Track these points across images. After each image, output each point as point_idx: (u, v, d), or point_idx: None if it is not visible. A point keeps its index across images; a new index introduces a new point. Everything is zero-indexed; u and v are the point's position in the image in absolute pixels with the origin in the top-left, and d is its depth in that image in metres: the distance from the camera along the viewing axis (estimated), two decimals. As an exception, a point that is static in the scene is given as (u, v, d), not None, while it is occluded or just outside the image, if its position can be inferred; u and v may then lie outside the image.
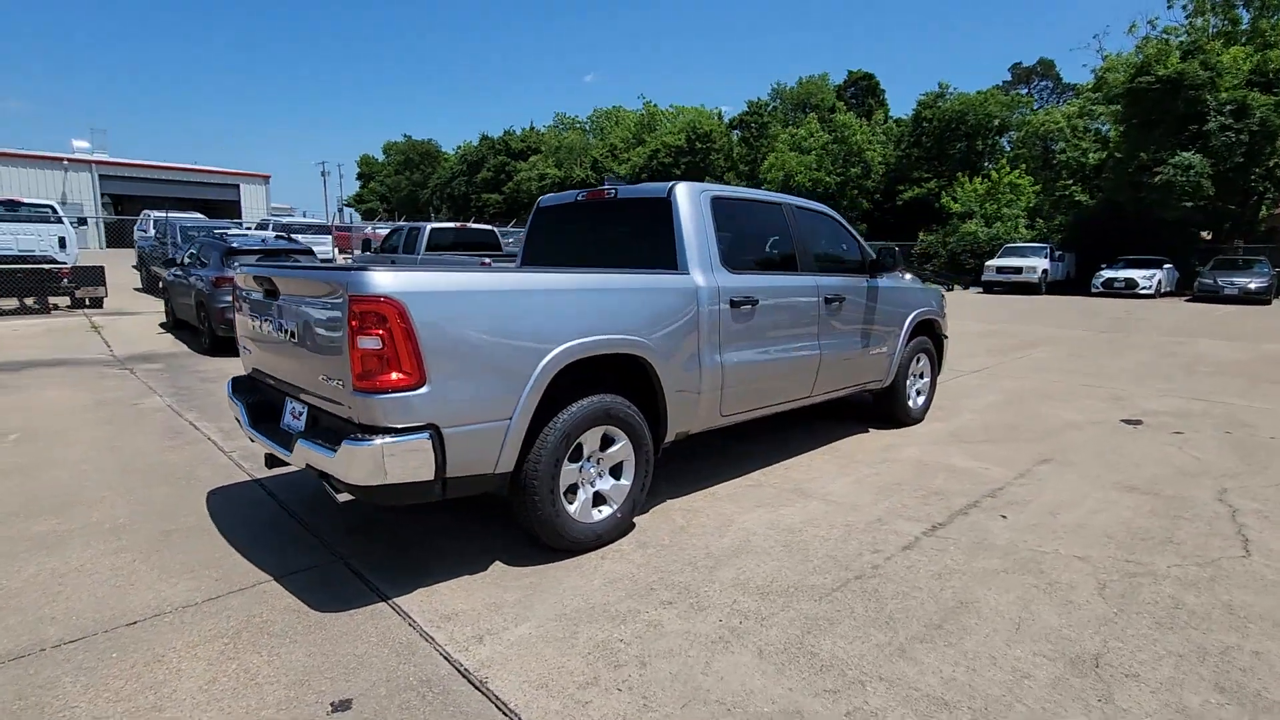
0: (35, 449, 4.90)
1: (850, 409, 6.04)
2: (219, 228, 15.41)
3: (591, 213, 4.44)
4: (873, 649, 2.53)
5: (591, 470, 3.35)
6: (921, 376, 5.88)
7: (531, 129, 64.69)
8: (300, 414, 3.14)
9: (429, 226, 11.66)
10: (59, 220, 14.76)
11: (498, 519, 3.61)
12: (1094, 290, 22.45)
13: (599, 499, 3.38)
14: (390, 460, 2.60)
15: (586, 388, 3.28)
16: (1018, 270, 23.13)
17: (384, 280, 2.58)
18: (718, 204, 4.04)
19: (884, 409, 5.64)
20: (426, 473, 2.70)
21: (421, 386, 2.65)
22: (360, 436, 2.61)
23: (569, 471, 3.20)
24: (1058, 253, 24.76)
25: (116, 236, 31.49)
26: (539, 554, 3.24)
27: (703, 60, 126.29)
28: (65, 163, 33.31)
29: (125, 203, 36.13)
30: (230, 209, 36.69)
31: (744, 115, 48.08)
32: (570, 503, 3.24)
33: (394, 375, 2.60)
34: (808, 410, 5.82)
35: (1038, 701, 2.25)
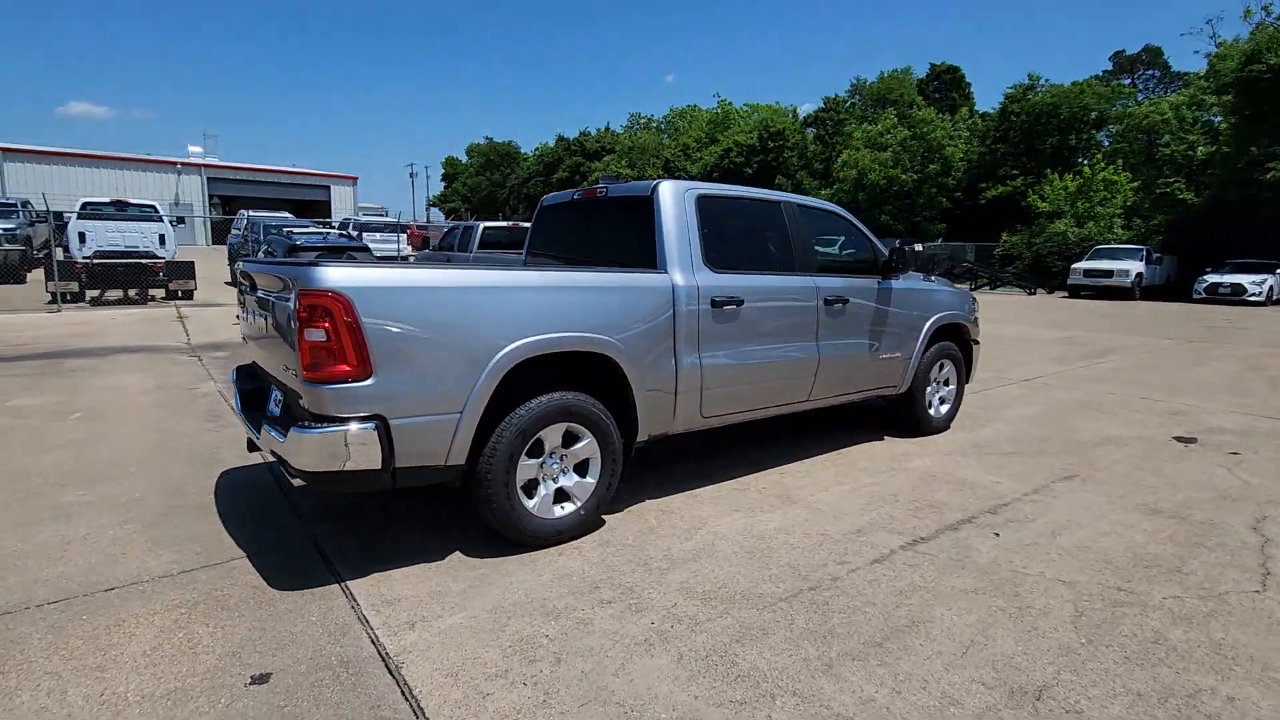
0: (92, 427, 5.37)
1: (869, 415, 5.82)
2: (288, 225, 16.39)
3: (586, 211, 4.47)
4: (798, 662, 2.44)
5: (554, 466, 3.38)
6: (946, 384, 5.59)
7: (607, 129, 65.44)
8: (279, 402, 3.32)
9: (481, 225, 12.00)
10: (160, 219, 16.09)
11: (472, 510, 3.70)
12: (1196, 296, 20.67)
13: (562, 495, 3.41)
14: (334, 448, 2.72)
15: (552, 384, 3.31)
16: (1107, 274, 21.58)
17: (331, 275, 2.69)
18: (704, 203, 3.98)
19: (901, 417, 5.40)
20: (373, 462, 2.80)
21: (367, 378, 2.75)
22: (308, 424, 2.73)
23: (527, 467, 3.23)
24: (1155, 255, 22.94)
25: (221, 234, 34.04)
26: (499, 547, 3.30)
27: (784, 57, 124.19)
28: (179, 167, 36.33)
29: (231, 203, 38.96)
30: (321, 208, 38.94)
31: (819, 112, 47.00)
32: (530, 498, 3.28)
33: (340, 367, 2.70)
34: (821, 415, 5.67)
35: (957, 731, 2.11)
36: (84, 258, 14.51)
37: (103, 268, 13.65)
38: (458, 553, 3.26)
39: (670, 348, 3.68)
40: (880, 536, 3.53)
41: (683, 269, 3.76)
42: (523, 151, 77.85)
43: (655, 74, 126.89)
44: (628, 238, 4.00)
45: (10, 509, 3.69)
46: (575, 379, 3.40)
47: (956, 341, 5.57)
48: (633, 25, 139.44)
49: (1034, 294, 23.28)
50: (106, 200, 16.20)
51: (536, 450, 3.29)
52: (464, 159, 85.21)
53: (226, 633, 2.57)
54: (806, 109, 51.45)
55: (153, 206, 16.30)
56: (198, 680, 2.29)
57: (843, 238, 5.04)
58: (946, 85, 43.63)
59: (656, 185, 3.88)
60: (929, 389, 5.40)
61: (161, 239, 15.99)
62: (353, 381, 2.72)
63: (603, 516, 3.69)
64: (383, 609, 2.75)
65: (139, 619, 2.65)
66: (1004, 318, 14.56)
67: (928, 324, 5.19)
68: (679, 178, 4.31)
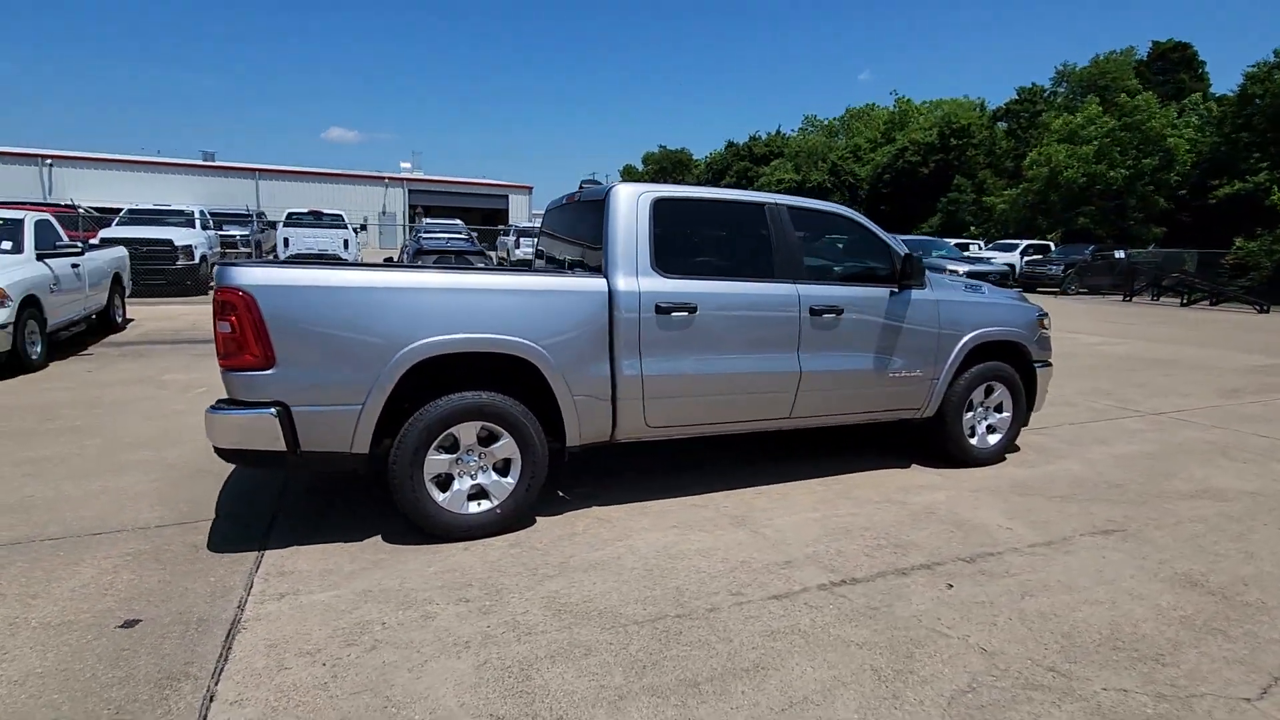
0: (205, 400, 6.38)
1: (906, 437, 5.21)
2: (429, 231, 18.07)
3: (570, 215, 4.50)
4: (593, 689, 2.31)
5: (472, 463, 3.47)
6: (998, 410, 4.86)
7: (778, 133, 64.29)
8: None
9: None
10: (344, 226, 18.58)
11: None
12: None
13: (482, 493, 3.49)
14: (235, 429, 3.04)
15: (473, 383, 3.41)
16: (1374, 289, 17.21)
17: (239, 274, 3.01)
18: (662, 206, 3.85)
19: (933, 444, 4.79)
20: (277, 444, 3.08)
21: (269, 368, 3.03)
22: (218, 406, 3.08)
23: (437, 461, 3.36)
24: None
25: (415, 240, 38.63)
26: (418, 537, 3.45)
27: (980, 46, 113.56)
28: (386, 181, 41.67)
29: (426, 211, 43.90)
30: (500, 216, 42.47)
31: (1012, 104, 42.54)
32: (444, 492, 3.40)
33: (246, 357, 3.01)
34: (851, 433, 5.21)
35: (698, 792, 1.88)
36: (286, 258, 17.16)
37: (295, 267, 16.08)
38: (378, 537, 3.46)
39: (606, 353, 3.61)
40: (806, 572, 3.19)
41: (626, 273, 3.67)
42: (695, 158, 78.94)
43: (847, 72, 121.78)
44: (591, 241, 3.99)
45: (89, 461, 4.52)
46: (503, 380, 3.47)
47: (1012, 361, 4.82)
48: (824, 21, 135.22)
49: (1266, 311, 19.15)
50: (305, 210, 19.02)
51: (454, 446, 3.40)
52: (641, 168, 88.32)
53: (140, 581, 2.97)
54: (998, 102, 46.72)
55: (339, 215, 18.88)
56: (88, 617, 2.68)
57: (842, 243, 4.59)
58: (1173, 66, 37.31)
59: (611, 189, 3.83)
60: (968, 415, 4.73)
61: (345, 243, 18.43)
62: (255, 370, 3.02)
63: (536, 517, 3.71)
64: (272, 579, 3.02)
65: (91, 561, 3.14)
66: (1192, 339, 12.21)
67: (962, 341, 4.55)
68: (582, 181, 4.23)
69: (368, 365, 3.15)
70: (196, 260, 15.07)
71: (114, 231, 15.11)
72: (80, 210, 22.18)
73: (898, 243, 4.54)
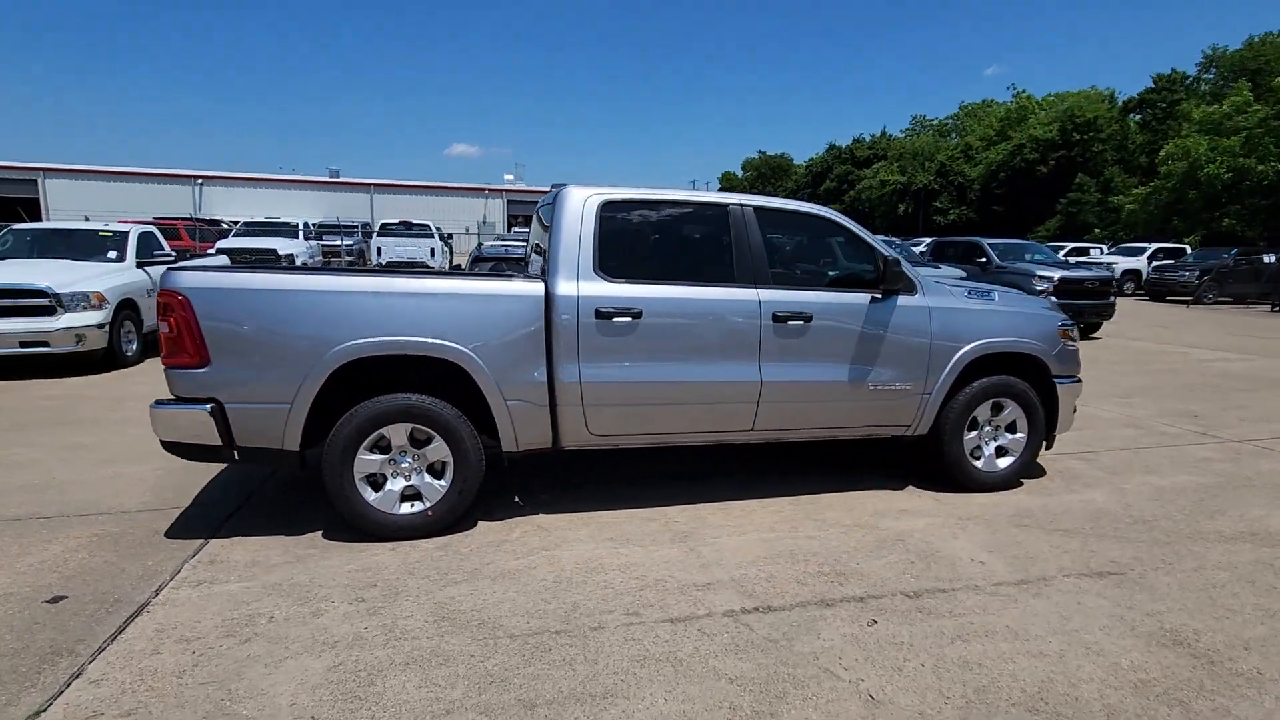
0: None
1: (910, 455, 4.78)
2: (502, 238, 18.62)
3: (540, 217, 4.48)
4: (427, 701, 2.25)
5: (406, 465, 3.51)
6: (1010, 430, 4.37)
7: (883, 134, 61.73)
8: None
9: None
10: (431, 235, 19.59)
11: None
12: None
13: (414, 494, 3.52)
14: (173, 424, 3.23)
15: (414, 385, 3.46)
16: None
17: (178, 277, 3.20)
18: (611, 209, 3.75)
19: (931, 465, 4.37)
20: (213, 439, 3.25)
21: (204, 367, 3.20)
22: (160, 402, 3.28)
23: (368, 461, 3.42)
24: None
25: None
26: (354, 534, 3.52)
27: (1120, 33, 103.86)
28: (486, 192, 43.67)
29: (523, 221, 45.63)
30: (593, 224, 43.47)
31: (1147, 94, 38.63)
32: (376, 491, 3.46)
33: (182, 356, 3.20)
34: (845, 448, 4.88)
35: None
36: (379, 265, 18.31)
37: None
38: (319, 533, 3.57)
39: (542, 359, 3.55)
40: (721, 596, 2.99)
41: (567, 277, 3.60)
42: (796, 164, 77.22)
43: (968, 68, 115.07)
44: (545, 244, 3.95)
45: (120, 449, 4.96)
46: (441, 383, 3.50)
47: (1028, 376, 4.32)
48: (944, 16, 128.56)
49: None
50: (396, 221, 20.22)
51: (387, 447, 3.46)
52: (740, 174, 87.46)
53: (89, 560, 3.21)
54: (1131, 93, 42.51)
55: (427, 225, 19.93)
56: (28, 590, 2.93)
57: (817, 247, 4.27)
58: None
59: (560, 191, 3.78)
60: (971, 435, 4.28)
61: (432, 251, 19.42)
62: (191, 369, 3.20)
63: (479, 521, 3.71)
64: (200, 567, 3.18)
65: (63, 540, 3.44)
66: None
67: (960, 352, 4.12)
68: (552, 185, 4.15)
69: (296, 366, 3.26)
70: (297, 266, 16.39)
71: (228, 242, 16.70)
72: (223, 223, 24.65)
73: (885, 246, 4.19)
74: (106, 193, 39.74)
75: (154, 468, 4.49)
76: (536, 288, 3.57)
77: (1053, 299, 12.07)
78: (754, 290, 3.84)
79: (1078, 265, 14.47)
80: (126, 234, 9.44)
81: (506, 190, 45.20)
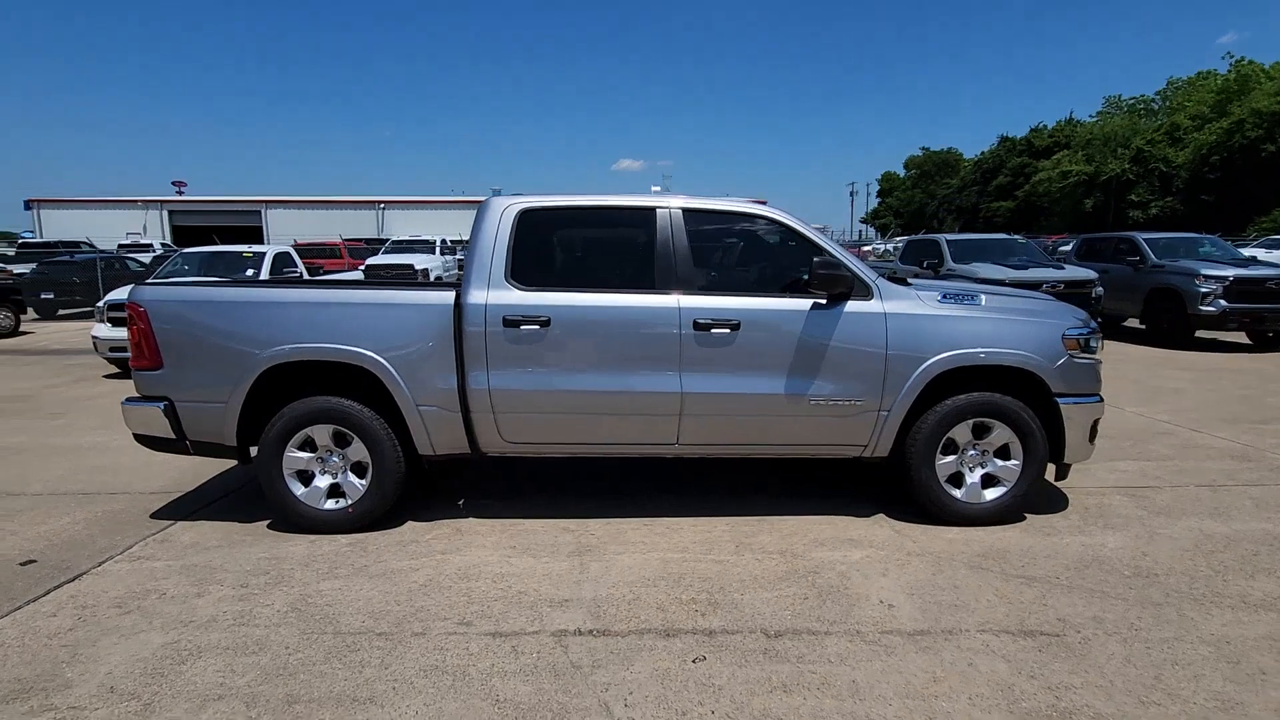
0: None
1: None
2: None
3: None
4: (211, 686, 2.40)
5: (334, 463, 3.75)
6: (1001, 456, 3.75)
7: (1069, 120, 55.11)
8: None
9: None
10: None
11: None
12: None
13: (338, 491, 3.75)
14: (137, 419, 3.70)
15: (340, 390, 3.70)
16: None
17: (139, 290, 3.68)
18: (530, 217, 3.75)
19: (903, 490, 3.87)
20: (168, 432, 3.69)
21: (158, 369, 3.65)
22: (130, 399, 3.78)
23: (295, 458, 3.69)
24: None
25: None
26: (289, 525, 3.81)
27: None
28: (627, 203, 45.28)
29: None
30: (733, 232, 43.21)
31: None
32: (305, 486, 3.73)
33: (143, 359, 3.67)
34: (831, 468, 4.48)
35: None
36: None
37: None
38: (266, 523, 3.90)
39: (451, 366, 3.63)
40: (569, 615, 2.87)
41: (478, 286, 3.66)
42: (965, 158, 71.22)
43: (1203, 36, 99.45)
44: None
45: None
46: (364, 388, 3.70)
47: (1025, 395, 3.69)
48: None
49: None
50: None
51: (314, 445, 3.73)
52: (902, 173, 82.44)
53: (79, 532, 3.78)
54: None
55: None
56: (15, 553, 3.51)
57: (770, 249, 3.91)
58: None
59: (485, 201, 3.85)
60: (948, 459, 3.73)
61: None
62: (148, 370, 3.66)
63: (408, 521, 3.87)
64: (150, 544, 3.62)
65: (74, 513, 4.06)
66: None
67: (924, 365, 3.61)
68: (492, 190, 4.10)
69: (229, 369, 3.62)
70: (431, 280, 17.97)
71: (376, 259, 18.71)
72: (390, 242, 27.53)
73: (835, 246, 3.79)
74: (311, 219, 46.08)
75: (189, 458, 5.16)
76: (447, 297, 3.66)
77: (1220, 301, 9.98)
78: (674, 296, 3.65)
79: (1258, 264, 11.79)
80: (264, 255, 10.92)
81: (650, 201, 46.67)
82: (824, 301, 3.65)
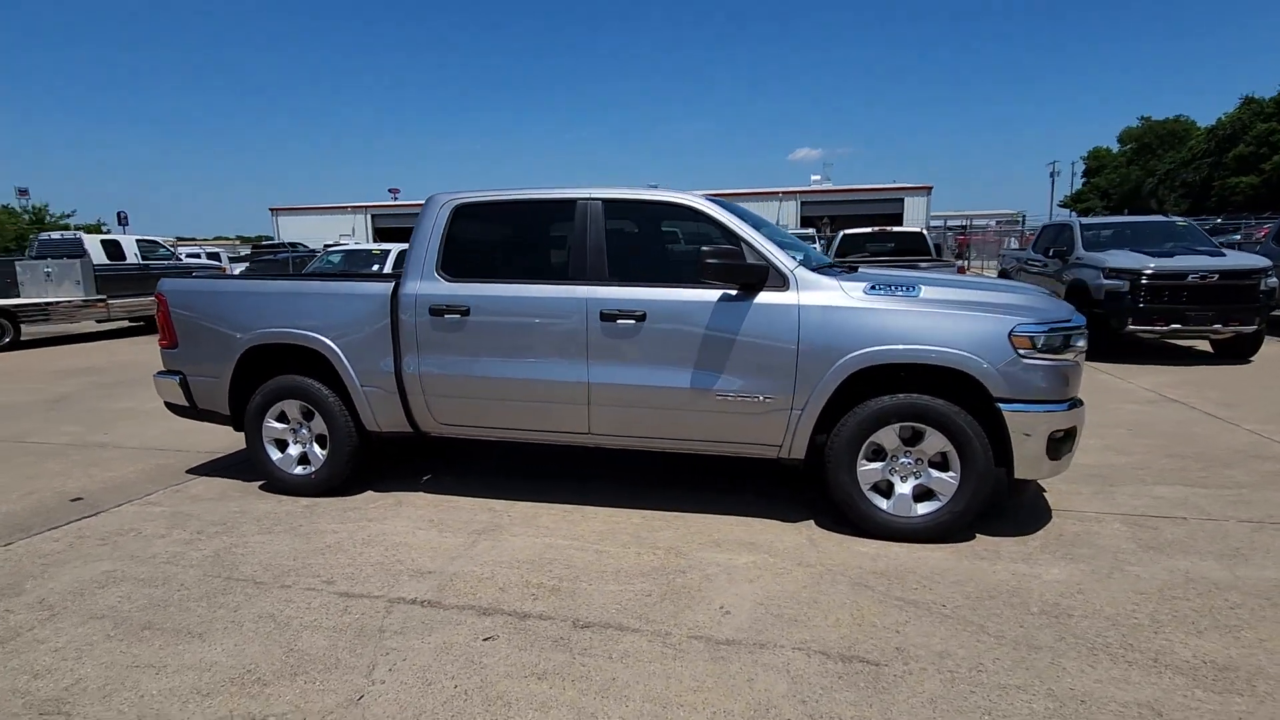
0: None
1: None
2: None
3: None
4: (82, 612, 2.91)
5: (304, 434, 4.25)
6: (938, 467, 3.34)
7: (1343, 73, 44.58)
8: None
9: (843, 234, 11.44)
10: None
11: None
12: None
13: (305, 459, 4.25)
14: (162, 389, 4.45)
15: (304, 370, 4.21)
16: None
17: (162, 283, 4.41)
18: (464, 211, 3.97)
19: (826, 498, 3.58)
20: (184, 401, 4.41)
21: (175, 348, 4.37)
22: (159, 372, 4.54)
23: (272, 428, 4.24)
24: None
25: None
26: (273, 486, 4.39)
27: None
28: (779, 196, 43.75)
29: (812, 222, 44.50)
30: (894, 219, 40.26)
31: None
32: (280, 453, 4.28)
33: (164, 340, 4.41)
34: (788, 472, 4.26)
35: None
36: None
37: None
38: (260, 483, 4.52)
39: (389, 350, 3.96)
40: (419, 584, 3.06)
41: (413, 278, 3.95)
42: (1199, 127, 60.35)
43: None
44: None
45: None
46: (318, 368, 4.15)
47: (961, 399, 3.25)
48: None
49: None
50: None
51: (287, 418, 4.26)
52: (1115, 148, 71.82)
53: (130, 478, 4.62)
54: None
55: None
56: (75, 490, 4.39)
57: (693, 239, 3.73)
58: None
59: (429, 198, 4.12)
60: (873, 466, 3.39)
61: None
62: (169, 349, 4.40)
63: (368, 489, 4.29)
64: (167, 493, 4.34)
65: (144, 464, 4.97)
66: None
67: (838, 362, 3.31)
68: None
69: (222, 349, 4.23)
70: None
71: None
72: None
73: (757, 235, 3.57)
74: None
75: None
76: (386, 288, 3.99)
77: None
78: (584, 287, 3.67)
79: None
80: (388, 252, 12.26)
81: (803, 191, 44.65)
82: (733, 293, 3.49)
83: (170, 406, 4.58)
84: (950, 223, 39.32)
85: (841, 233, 11.61)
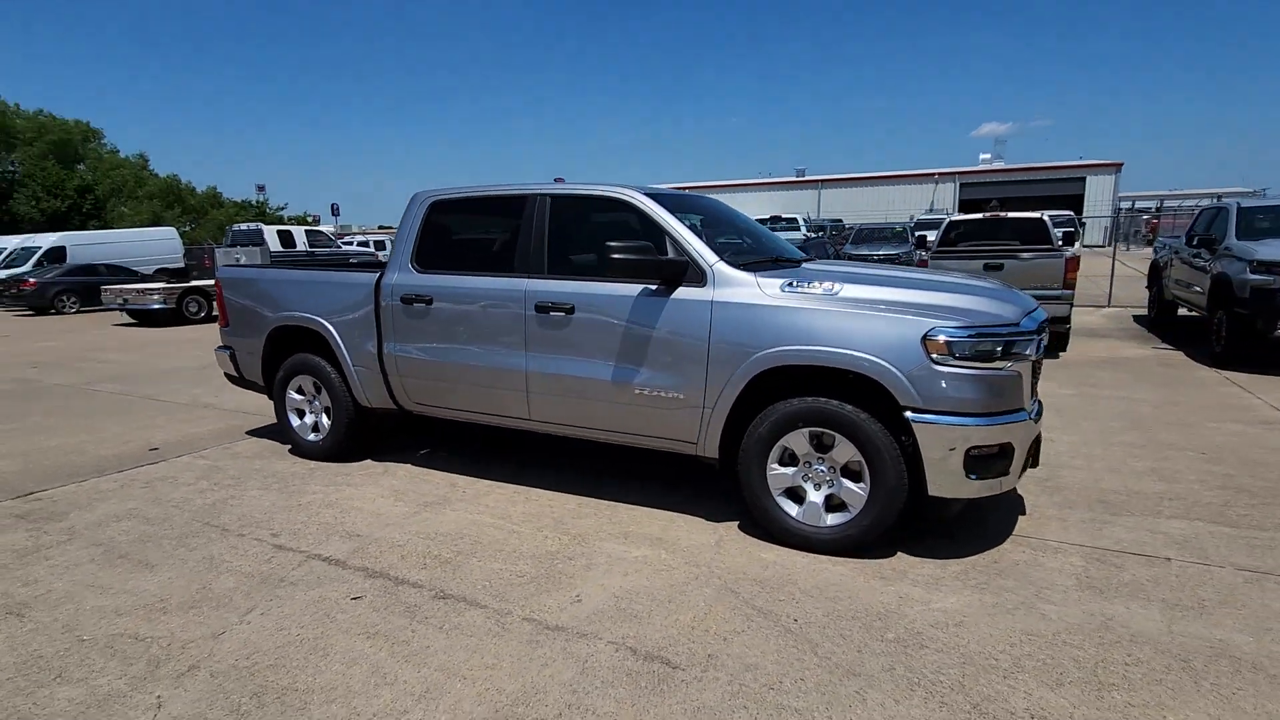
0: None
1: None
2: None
3: None
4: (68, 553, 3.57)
5: (317, 405, 4.84)
6: (851, 477, 3.13)
7: None
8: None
9: (949, 219, 10.51)
10: (798, 229, 20.07)
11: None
12: None
13: (318, 428, 4.83)
14: (220, 361, 5.25)
15: (318, 350, 4.78)
16: None
17: (220, 269, 5.17)
18: (439, 207, 4.28)
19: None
20: (235, 372, 5.18)
21: (228, 326, 5.13)
22: (218, 346, 5.34)
23: (293, 399, 4.87)
24: None
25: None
26: (294, 451, 5.03)
27: None
28: (936, 178, 40.41)
29: (974, 205, 40.50)
30: (1073, 202, 35.76)
31: None
32: (300, 419, 4.90)
33: (221, 320, 5.19)
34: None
35: (-6, 587, 3.06)
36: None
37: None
38: (289, 447, 5.18)
39: (373, 334, 4.39)
40: (343, 546, 3.43)
41: (394, 269, 4.33)
42: None
43: None
44: None
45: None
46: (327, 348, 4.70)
47: (870, 405, 3.02)
48: None
49: None
50: (767, 216, 21.25)
51: (303, 391, 4.86)
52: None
53: (200, 435, 5.51)
54: None
55: (795, 218, 20.41)
56: (158, 441, 5.33)
57: (610, 234, 3.69)
58: None
59: (413, 195, 4.47)
60: (786, 470, 3.25)
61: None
62: (224, 328, 5.17)
63: (368, 459, 4.79)
64: (217, 450, 5.12)
65: (214, 423, 5.89)
66: None
67: (747, 361, 3.20)
68: None
69: (256, 330, 4.91)
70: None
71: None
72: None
73: (683, 230, 3.51)
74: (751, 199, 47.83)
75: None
76: (372, 277, 4.41)
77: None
78: (525, 280, 3.84)
79: None
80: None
81: (964, 172, 40.85)
82: (654, 287, 3.48)
83: (227, 376, 5.38)
84: (1139, 204, 33.93)
85: (947, 219, 10.67)
